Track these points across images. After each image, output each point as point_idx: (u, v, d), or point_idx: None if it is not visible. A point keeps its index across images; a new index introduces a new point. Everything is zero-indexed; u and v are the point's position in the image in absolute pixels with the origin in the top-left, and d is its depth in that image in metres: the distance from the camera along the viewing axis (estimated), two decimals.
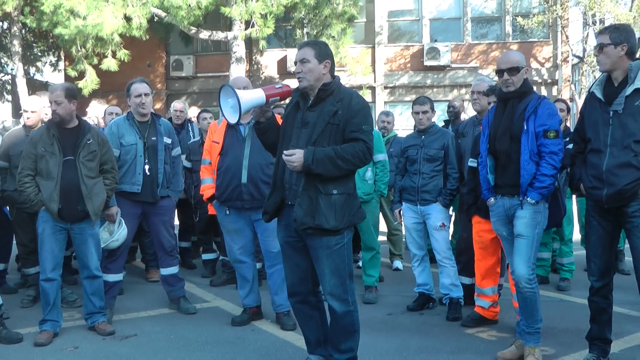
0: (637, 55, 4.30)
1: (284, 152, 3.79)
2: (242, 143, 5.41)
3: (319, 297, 4.19)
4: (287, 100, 4.23)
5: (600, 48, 4.24)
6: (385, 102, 22.08)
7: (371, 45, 22.21)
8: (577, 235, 7.84)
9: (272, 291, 5.54)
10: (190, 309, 5.97)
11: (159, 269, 6.20)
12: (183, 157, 6.99)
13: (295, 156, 3.71)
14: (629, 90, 4.13)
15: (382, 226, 8.09)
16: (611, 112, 4.18)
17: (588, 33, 23.90)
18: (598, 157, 4.23)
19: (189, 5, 15.16)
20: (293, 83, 3.95)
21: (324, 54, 3.92)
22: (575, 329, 5.42)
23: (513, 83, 4.48)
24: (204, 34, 17.52)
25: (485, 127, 4.70)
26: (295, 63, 3.99)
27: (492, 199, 4.61)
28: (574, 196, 7.15)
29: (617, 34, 4.21)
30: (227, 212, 5.49)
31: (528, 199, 4.36)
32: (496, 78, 4.75)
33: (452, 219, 7.06)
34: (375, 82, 21.92)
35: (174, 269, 6.01)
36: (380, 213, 7.67)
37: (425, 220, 5.95)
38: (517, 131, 4.41)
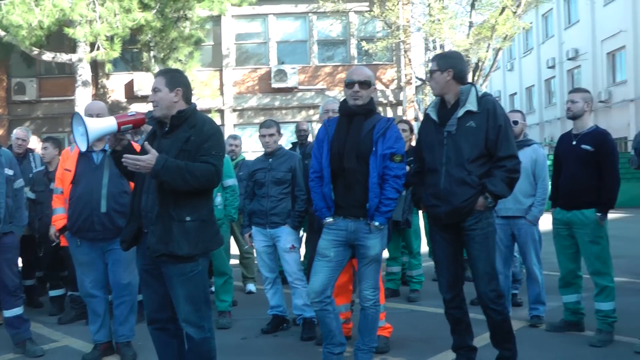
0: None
1: (125, 155, 3.69)
2: (95, 171, 5.21)
3: (179, 324, 4.10)
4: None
5: (430, 74, 4.50)
6: (234, 124, 22.16)
7: (219, 68, 22.30)
8: (425, 248, 8.23)
9: (118, 321, 5.36)
10: (37, 352, 5.60)
11: (2, 311, 5.83)
12: (27, 188, 6.66)
13: (147, 156, 3.63)
14: (460, 112, 4.38)
15: (235, 250, 8.11)
16: (445, 133, 4.41)
17: (429, 57, 25.25)
18: (435, 177, 4.44)
19: (30, 24, 14.39)
20: (142, 108, 3.92)
21: (175, 82, 3.91)
22: (426, 337, 5.71)
23: (362, 97, 4.51)
24: (47, 56, 16.77)
25: (322, 141, 4.62)
26: None
27: (330, 219, 4.56)
28: (420, 211, 7.50)
29: (443, 60, 4.50)
30: (79, 243, 5.28)
31: (376, 223, 4.44)
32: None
33: (304, 240, 7.21)
34: (224, 105, 21.96)
35: (18, 310, 5.63)
36: (232, 236, 7.69)
37: (275, 243, 6.00)
38: (365, 151, 4.45)
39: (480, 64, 24.16)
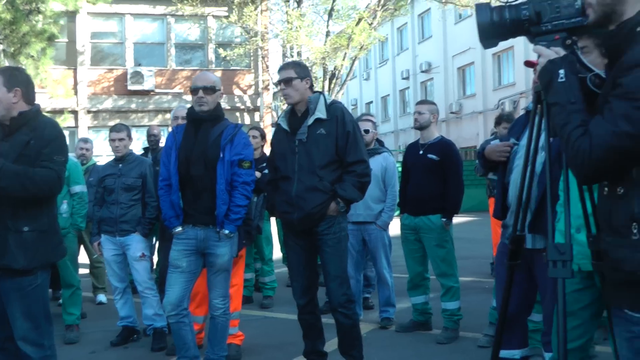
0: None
1: None
2: None
3: None
4: None
5: (288, 81, 4.48)
6: (88, 127, 21.35)
7: (73, 67, 21.38)
8: (278, 254, 8.26)
9: None
10: None
11: None
12: None
13: None
14: (310, 120, 4.44)
15: (85, 259, 7.79)
16: (297, 141, 4.45)
17: None
18: (288, 184, 4.47)
19: None
20: None
21: (14, 81, 3.67)
22: (279, 343, 5.72)
23: (207, 102, 4.47)
24: None
25: (171, 148, 4.57)
26: None
27: (179, 228, 4.51)
28: (272, 217, 7.53)
29: (300, 69, 4.54)
30: None
31: (226, 231, 4.43)
32: None
33: (157, 247, 7.04)
34: (78, 105, 21.10)
35: None
36: (82, 245, 7.38)
37: (125, 252, 5.80)
38: (212, 157, 4.43)
39: (337, 72, 24.68)
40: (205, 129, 4.52)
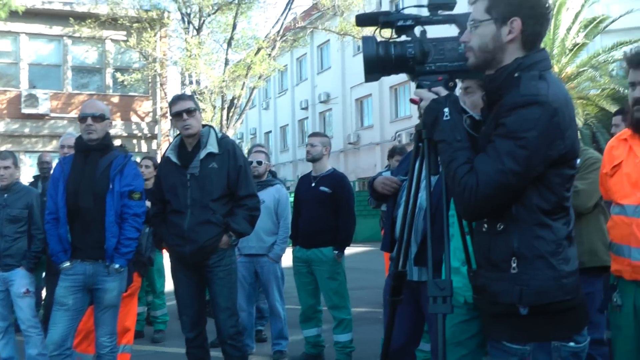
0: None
1: None
2: None
3: None
4: None
5: (191, 112, 4.49)
6: None
7: None
8: (170, 287, 8.06)
9: None
10: None
11: None
12: None
13: None
14: (203, 154, 4.48)
15: None
16: (188, 175, 4.46)
17: (185, 91, 25.33)
18: (180, 218, 4.46)
19: None
20: None
21: None
22: None
23: (96, 130, 4.37)
24: None
25: (58, 179, 4.41)
26: None
27: (67, 263, 4.34)
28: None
29: (195, 101, 4.63)
30: None
31: (116, 265, 4.31)
32: None
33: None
34: None
35: None
36: None
37: (8, 288, 5.49)
38: (101, 189, 4.32)
39: (235, 101, 24.64)
40: (94, 159, 4.41)
